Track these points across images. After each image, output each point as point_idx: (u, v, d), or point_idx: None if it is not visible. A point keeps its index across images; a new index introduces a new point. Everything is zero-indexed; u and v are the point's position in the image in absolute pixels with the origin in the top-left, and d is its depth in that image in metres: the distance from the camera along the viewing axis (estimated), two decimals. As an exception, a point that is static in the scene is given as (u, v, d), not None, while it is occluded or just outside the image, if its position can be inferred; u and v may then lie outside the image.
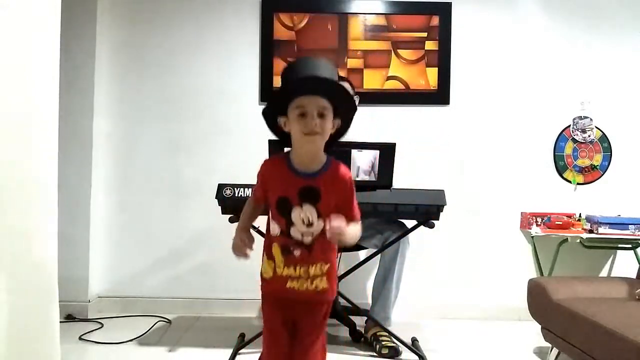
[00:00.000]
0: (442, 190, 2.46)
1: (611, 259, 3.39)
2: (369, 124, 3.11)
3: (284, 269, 1.52)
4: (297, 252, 1.51)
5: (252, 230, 1.66)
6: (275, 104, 1.52)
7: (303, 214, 1.49)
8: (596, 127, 3.39)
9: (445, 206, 2.43)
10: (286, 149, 1.57)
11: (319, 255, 1.52)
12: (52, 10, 1.69)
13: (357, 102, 2.96)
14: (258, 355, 1.64)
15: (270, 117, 1.53)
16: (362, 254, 3.10)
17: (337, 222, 1.42)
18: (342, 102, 1.49)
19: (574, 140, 3.39)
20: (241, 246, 1.57)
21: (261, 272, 1.60)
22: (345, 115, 1.52)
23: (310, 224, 1.49)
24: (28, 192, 1.59)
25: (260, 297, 1.59)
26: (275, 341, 1.57)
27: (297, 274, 1.52)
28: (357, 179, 2.33)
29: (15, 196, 1.53)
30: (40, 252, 1.65)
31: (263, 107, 1.52)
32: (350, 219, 1.50)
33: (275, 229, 1.54)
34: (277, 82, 3.34)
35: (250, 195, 1.75)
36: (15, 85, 1.53)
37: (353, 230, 1.50)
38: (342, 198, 1.52)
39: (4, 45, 1.48)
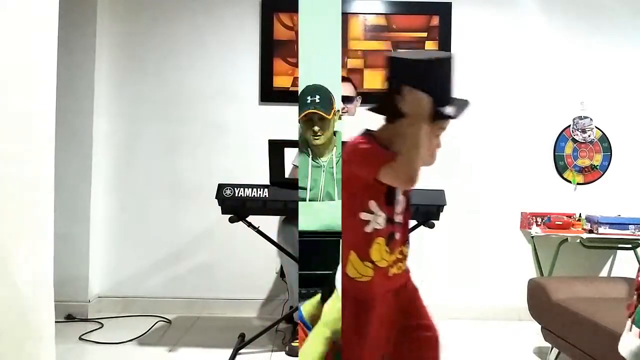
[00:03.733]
0: (442, 190, 2.46)
1: (611, 259, 3.39)
2: (369, 124, 3.10)
3: (390, 256, 1.38)
4: (397, 235, 1.39)
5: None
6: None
7: (400, 195, 1.40)
8: (596, 127, 3.39)
9: (445, 206, 2.43)
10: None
11: (407, 232, 1.45)
12: (50, 9, 1.69)
13: (359, 103, 2.98)
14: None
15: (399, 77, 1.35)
16: (362, 254, 3.09)
17: None
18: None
19: (574, 140, 3.39)
20: None
21: (344, 273, 1.39)
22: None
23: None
24: (24, 191, 1.59)
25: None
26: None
27: (400, 257, 1.41)
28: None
29: (12, 195, 1.52)
30: (36, 251, 1.65)
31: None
32: None
33: (381, 222, 1.34)
34: (277, 82, 3.34)
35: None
36: (12, 85, 1.53)
37: None
38: None
39: (2, 45, 1.47)
